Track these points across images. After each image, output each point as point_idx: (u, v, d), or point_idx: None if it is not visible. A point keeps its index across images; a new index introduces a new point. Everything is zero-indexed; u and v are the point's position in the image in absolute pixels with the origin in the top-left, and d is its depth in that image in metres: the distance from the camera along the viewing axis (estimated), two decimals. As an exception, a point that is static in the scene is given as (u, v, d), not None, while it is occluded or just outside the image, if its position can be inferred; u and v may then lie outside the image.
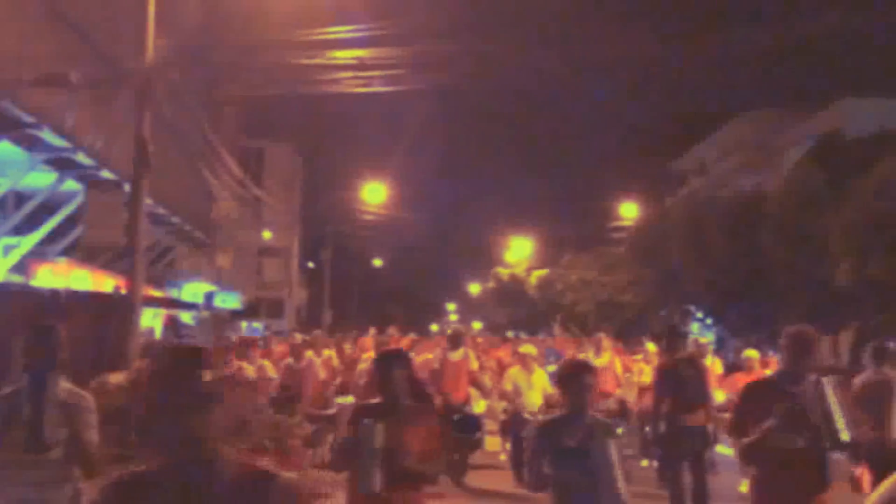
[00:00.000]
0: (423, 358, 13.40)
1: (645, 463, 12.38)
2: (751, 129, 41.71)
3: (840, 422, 4.96)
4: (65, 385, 5.01)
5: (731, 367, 15.72)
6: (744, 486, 11.74)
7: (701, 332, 33.24)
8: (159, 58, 13.41)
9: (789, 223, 25.01)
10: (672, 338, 9.77)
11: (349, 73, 14.66)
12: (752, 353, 12.60)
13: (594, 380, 5.24)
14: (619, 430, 7.79)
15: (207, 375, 2.28)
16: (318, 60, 14.57)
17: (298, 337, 14.30)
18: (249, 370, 11.43)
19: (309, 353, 12.67)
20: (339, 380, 13.21)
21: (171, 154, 24.37)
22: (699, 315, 36.42)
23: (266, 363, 12.83)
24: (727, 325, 33.74)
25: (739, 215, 28.70)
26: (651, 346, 14.76)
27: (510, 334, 31.39)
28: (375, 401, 5.02)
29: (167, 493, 2.23)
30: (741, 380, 10.49)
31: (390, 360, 5.04)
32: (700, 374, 9.40)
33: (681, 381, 9.10)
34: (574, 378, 5.15)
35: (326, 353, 14.23)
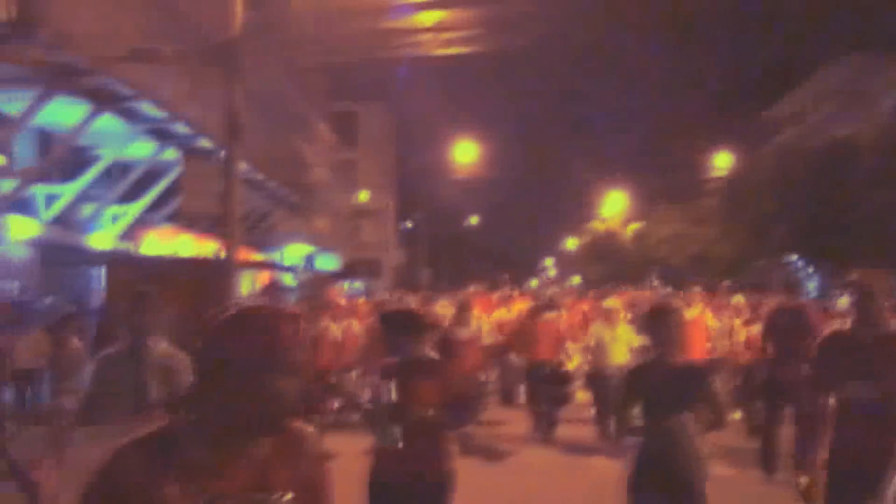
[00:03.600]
0: (499, 315, 13.56)
1: (737, 415, 12.29)
2: (846, 74, 40.18)
3: None
4: (164, 348, 5.34)
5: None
6: None
7: (803, 282, 32.49)
8: (245, 28, 13.72)
9: (885, 169, 24.19)
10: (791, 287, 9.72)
11: (430, 36, 14.74)
12: (844, 302, 12.32)
13: (680, 321, 5.17)
14: (715, 380, 7.72)
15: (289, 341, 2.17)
16: (399, 24, 14.72)
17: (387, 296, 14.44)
18: (336, 330, 11.69)
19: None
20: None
21: (266, 121, 24.96)
22: (798, 265, 35.63)
23: (354, 322, 13.11)
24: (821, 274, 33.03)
25: (831, 163, 27.87)
26: (739, 299, 14.54)
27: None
28: (391, 361, 5.10)
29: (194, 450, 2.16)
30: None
31: (398, 320, 5.18)
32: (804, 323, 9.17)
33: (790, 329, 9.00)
34: (658, 320, 5.13)
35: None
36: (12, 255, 20.68)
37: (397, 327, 5.06)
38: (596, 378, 11.34)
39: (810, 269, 35.68)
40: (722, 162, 44.95)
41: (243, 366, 2.12)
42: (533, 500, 8.73)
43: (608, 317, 11.51)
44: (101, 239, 24.36)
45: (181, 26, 18.26)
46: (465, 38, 14.70)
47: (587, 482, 9.24)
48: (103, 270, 20.91)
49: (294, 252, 40.08)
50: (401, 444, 4.62)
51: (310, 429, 2.35)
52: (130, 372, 5.18)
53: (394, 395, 4.64)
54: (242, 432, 2.16)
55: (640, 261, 48.25)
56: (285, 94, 24.88)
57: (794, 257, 35.61)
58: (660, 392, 4.98)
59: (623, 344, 11.12)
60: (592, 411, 11.96)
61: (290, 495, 2.16)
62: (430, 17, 14.66)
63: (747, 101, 43.47)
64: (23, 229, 20.70)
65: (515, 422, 12.53)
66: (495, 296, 17.31)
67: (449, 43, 14.89)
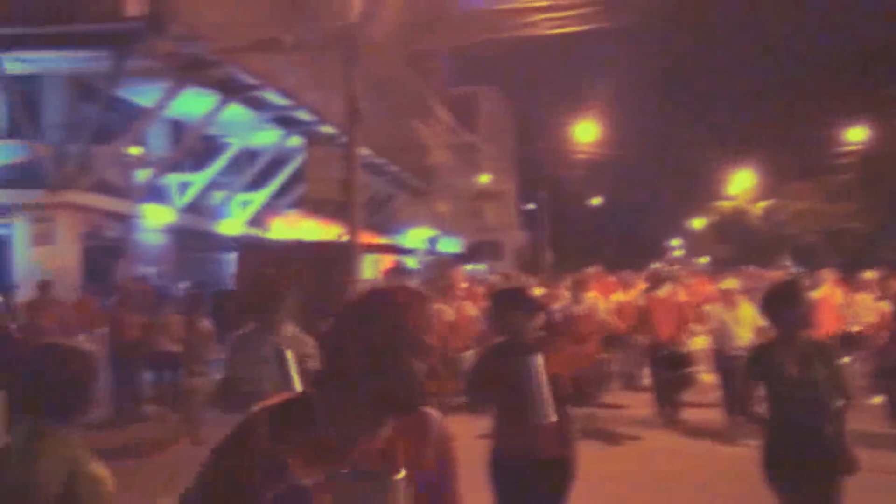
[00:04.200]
0: (618, 298, 13.33)
1: (877, 400, 11.73)
2: None
3: None
4: (291, 329, 5.49)
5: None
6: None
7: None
8: (364, 16, 13.90)
9: None
10: None
11: (542, 16, 14.60)
12: None
13: (804, 300, 4.99)
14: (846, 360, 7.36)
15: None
16: (512, 5, 14.65)
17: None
18: (449, 312, 11.73)
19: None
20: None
21: (386, 106, 25.26)
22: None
23: (468, 304, 13.15)
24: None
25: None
26: (870, 275, 13.85)
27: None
28: (498, 340, 5.06)
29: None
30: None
31: (508, 299, 5.10)
32: None
33: None
34: (778, 300, 4.97)
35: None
36: (149, 241, 21.61)
37: (508, 306, 5.00)
38: (720, 360, 11.05)
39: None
40: (856, 136, 43.00)
41: (375, 345, 2.15)
42: (657, 485, 8.57)
43: (726, 298, 11.20)
44: (231, 225, 25.19)
45: (302, 15, 18.65)
46: (581, 16, 14.53)
47: (713, 467, 9.03)
48: (233, 255, 21.67)
49: (416, 235, 40.52)
50: (554, 418, 4.59)
51: (434, 411, 2.35)
52: (260, 353, 5.36)
53: (541, 371, 4.60)
54: (371, 412, 2.19)
55: (770, 239, 46.81)
56: (404, 79, 25.07)
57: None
58: (782, 371, 4.80)
59: (747, 325, 10.77)
60: (718, 394, 11.66)
61: (402, 473, 2.13)
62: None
63: (883, 71, 41.27)
64: (158, 216, 21.60)
65: (638, 405, 12.33)
66: (614, 278, 17.06)
67: (565, 22, 14.75)
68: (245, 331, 5.72)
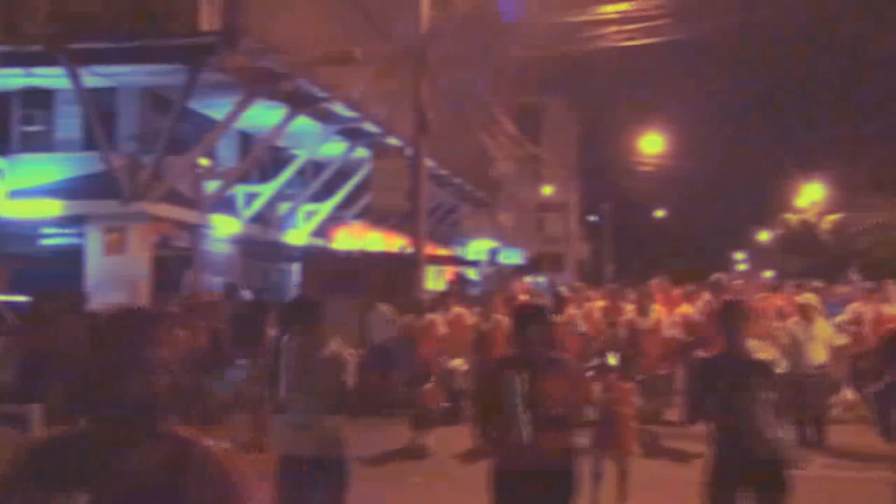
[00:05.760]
0: (682, 311, 13.14)
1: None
2: None
3: None
4: (333, 345, 5.63)
5: None
6: None
7: None
8: (433, 29, 14.04)
9: None
10: None
11: (614, 28, 14.60)
12: None
13: (746, 318, 5.25)
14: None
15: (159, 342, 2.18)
16: (583, 17, 14.66)
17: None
18: (442, 325, 11.61)
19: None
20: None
21: (451, 118, 25.39)
22: None
23: (463, 311, 12.95)
24: None
25: None
26: None
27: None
28: (510, 354, 5.22)
29: (87, 458, 2.14)
30: None
31: (527, 316, 5.16)
32: None
33: None
34: (727, 317, 5.23)
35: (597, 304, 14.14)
36: (217, 251, 22.00)
37: (526, 322, 5.08)
38: (792, 379, 10.84)
39: None
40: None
41: (105, 367, 2.15)
42: None
43: (804, 313, 10.92)
44: (296, 236, 25.52)
45: (373, 29, 18.87)
46: (651, 28, 14.49)
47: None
48: (298, 265, 21.96)
49: (478, 247, 40.57)
50: (530, 439, 4.66)
51: (212, 442, 2.24)
52: (305, 367, 5.53)
53: (525, 388, 4.69)
54: (113, 434, 2.14)
55: (839, 254, 45.84)
56: (471, 91, 25.17)
57: None
58: (728, 383, 5.05)
59: (820, 342, 10.56)
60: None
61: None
62: (615, 8, 14.55)
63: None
64: (226, 227, 21.98)
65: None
66: (678, 291, 16.84)
67: (635, 34, 14.73)
68: (289, 341, 5.89)
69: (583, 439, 5.80)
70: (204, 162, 20.99)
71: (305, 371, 5.51)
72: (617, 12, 14.47)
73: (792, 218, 56.08)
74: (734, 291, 13.16)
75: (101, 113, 18.37)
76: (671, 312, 12.43)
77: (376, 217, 26.62)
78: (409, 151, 17.68)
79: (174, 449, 2.15)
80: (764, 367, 5.28)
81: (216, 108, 19.64)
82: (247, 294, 20.36)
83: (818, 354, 10.38)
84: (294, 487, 5.32)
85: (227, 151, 23.14)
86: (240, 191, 23.07)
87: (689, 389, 5.42)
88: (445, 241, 34.13)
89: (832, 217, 50.37)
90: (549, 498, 4.84)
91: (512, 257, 44.83)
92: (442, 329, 11.52)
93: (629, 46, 16.64)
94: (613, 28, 14.84)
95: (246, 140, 23.50)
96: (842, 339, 11.90)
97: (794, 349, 10.70)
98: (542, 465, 4.75)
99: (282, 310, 8.30)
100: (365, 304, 14.27)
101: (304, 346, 5.60)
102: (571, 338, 11.61)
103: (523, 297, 16.00)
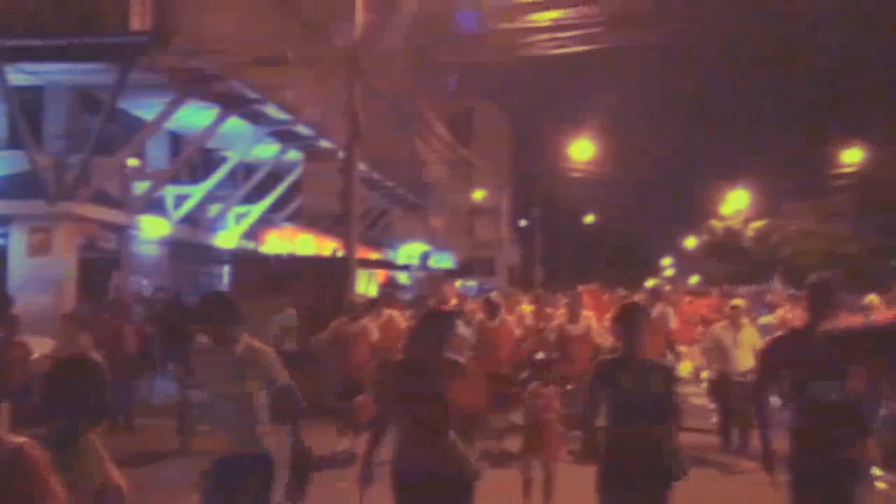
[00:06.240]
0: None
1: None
2: None
3: None
4: (248, 343, 5.48)
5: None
6: None
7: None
8: (367, 33, 14.06)
9: None
10: None
11: (546, 36, 14.80)
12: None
13: (646, 322, 5.29)
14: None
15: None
16: (516, 24, 14.83)
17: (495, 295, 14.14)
18: (374, 331, 11.53)
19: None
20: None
21: (384, 121, 25.41)
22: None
23: (395, 313, 12.70)
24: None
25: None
26: (874, 299, 13.70)
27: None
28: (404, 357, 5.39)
29: None
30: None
31: (436, 321, 5.32)
32: None
33: None
34: (625, 320, 5.25)
35: (526, 308, 14.26)
36: (146, 253, 21.67)
37: (426, 325, 5.22)
38: (719, 384, 10.96)
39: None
40: (852, 157, 43.11)
41: None
42: None
43: (733, 318, 11.00)
44: (227, 238, 25.26)
45: (306, 32, 18.80)
46: (582, 36, 14.71)
47: (713, 494, 8.90)
48: (228, 268, 21.73)
49: (410, 250, 40.61)
50: (415, 443, 4.81)
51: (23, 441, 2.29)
52: (218, 367, 5.46)
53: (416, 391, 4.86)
54: None
55: (762, 260, 46.98)
56: (403, 95, 25.20)
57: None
58: (622, 386, 5.10)
59: (747, 348, 10.58)
60: (714, 420, 11.52)
61: None
62: (547, 17, 14.75)
63: (877, 95, 41.53)
64: (155, 228, 21.66)
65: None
66: (606, 296, 17.07)
67: (566, 42, 14.93)
68: (202, 344, 5.85)
69: (512, 445, 5.86)
70: (133, 162, 20.66)
71: (217, 370, 5.41)
72: (549, 20, 14.69)
73: (717, 224, 57.30)
74: (666, 297, 13.21)
75: (27, 111, 17.97)
76: (601, 318, 12.49)
77: (308, 220, 26.48)
78: (341, 154, 17.65)
79: None
80: (664, 370, 5.33)
81: (146, 109, 19.35)
82: (174, 297, 20.10)
83: (745, 360, 10.40)
84: (218, 488, 5.27)
85: (157, 152, 22.81)
86: (170, 192, 22.75)
87: (588, 391, 5.44)
88: (377, 245, 34.10)
89: (756, 224, 51.63)
90: (442, 501, 4.90)
91: (443, 261, 44.95)
92: (375, 335, 11.42)
93: (561, 54, 16.88)
94: (545, 36, 15.05)
95: (176, 141, 23.19)
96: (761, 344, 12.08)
97: (720, 354, 10.81)
98: (430, 470, 4.83)
99: (195, 308, 8.20)
100: (277, 306, 14.24)
101: (216, 344, 5.53)
102: (506, 341, 11.68)
103: (454, 302, 16.09)
